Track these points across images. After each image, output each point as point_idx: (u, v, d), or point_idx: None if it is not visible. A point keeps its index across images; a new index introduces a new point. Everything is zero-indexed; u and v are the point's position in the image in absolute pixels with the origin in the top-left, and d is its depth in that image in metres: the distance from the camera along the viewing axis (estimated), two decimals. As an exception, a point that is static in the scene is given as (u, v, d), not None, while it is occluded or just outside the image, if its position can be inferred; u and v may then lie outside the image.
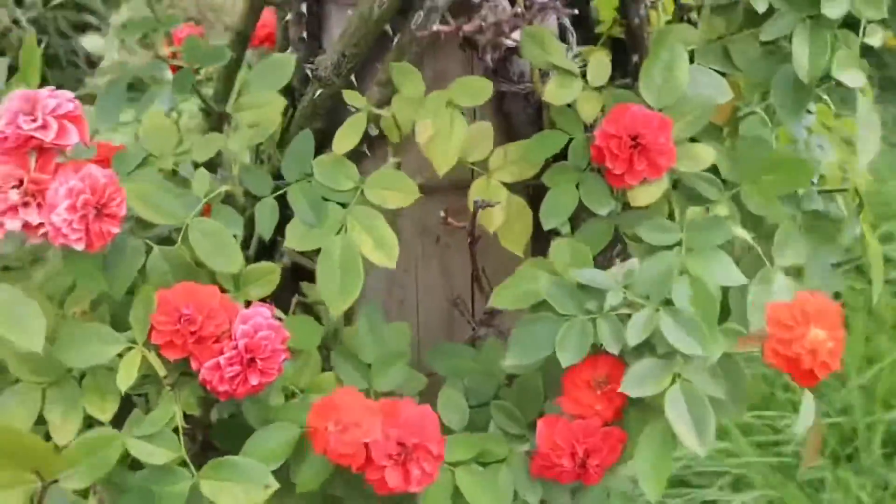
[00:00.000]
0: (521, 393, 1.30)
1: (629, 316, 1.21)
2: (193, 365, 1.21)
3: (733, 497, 2.63)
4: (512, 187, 1.39)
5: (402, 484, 1.17)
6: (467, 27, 1.27)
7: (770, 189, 1.32)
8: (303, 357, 1.34)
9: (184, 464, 1.22)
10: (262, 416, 1.27)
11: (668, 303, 1.21)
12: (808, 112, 1.40)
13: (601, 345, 1.21)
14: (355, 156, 1.42)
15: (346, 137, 1.32)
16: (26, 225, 1.16)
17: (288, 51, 1.48)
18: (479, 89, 1.32)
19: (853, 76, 1.29)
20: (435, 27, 1.28)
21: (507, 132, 1.46)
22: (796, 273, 1.33)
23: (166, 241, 1.27)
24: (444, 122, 1.30)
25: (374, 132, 1.38)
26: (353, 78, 1.40)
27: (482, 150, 1.39)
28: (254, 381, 1.21)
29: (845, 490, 2.63)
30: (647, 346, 1.20)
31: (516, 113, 1.44)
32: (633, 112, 1.27)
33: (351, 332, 1.37)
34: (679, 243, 1.27)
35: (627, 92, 1.33)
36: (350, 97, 1.32)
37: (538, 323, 1.22)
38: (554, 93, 1.32)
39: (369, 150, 1.43)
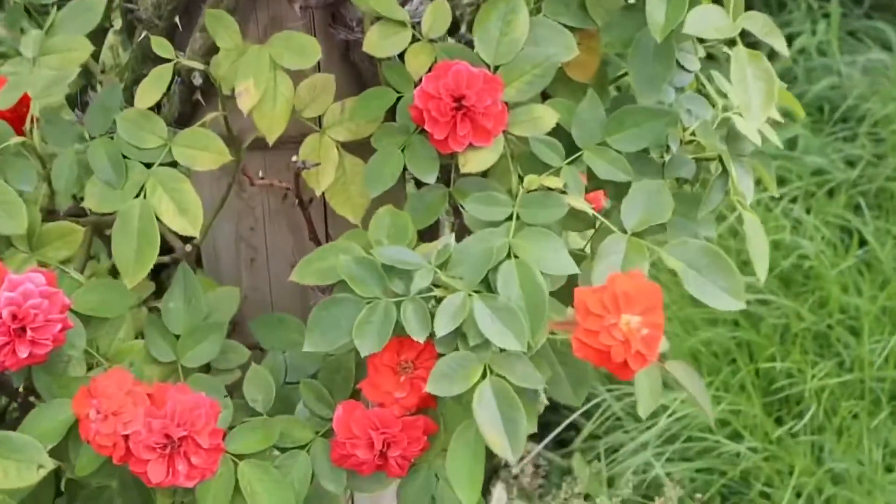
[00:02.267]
0: (330, 372, 1.12)
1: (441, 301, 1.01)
2: (-44, 337, 1.03)
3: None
4: (354, 147, 1.18)
5: (167, 479, 0.98)
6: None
7: (620, 147, 1.10)
8: (110, 323, 1.15)
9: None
10: (51, 389, 1.09)
11: (487, 288, 1.01)
12: (685, 69, 1.16)
13: (409, 329, 1.01)
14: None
15: (150, 90, 1.12)
16: None
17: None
18: (303, 47, 1.12)
19: (716, 29, 1.05)
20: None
21: (357, 85, 1.25)
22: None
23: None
24: (266, 83, 1.09)
25: (198, 82, 1.17)
26: (177, 20, 1.19)
27: (321, 103, 1.18)
28: (23, 352, 1.04)
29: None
30: (458, 336, 0.99)
31: (363, 64, 1.22)
32: (456, 70, 1.06)
33: (169, 288, 1.18)
34: (511, 218, 1.05)
35: (461, 46, 1.12)
36: (158, 45, 1.12)
37: (338, 305, 1.02)
38: (374, 43, 1.11)
39: (203, 100, 1.22)
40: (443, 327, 0.99)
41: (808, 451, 2.45)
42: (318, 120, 1.19)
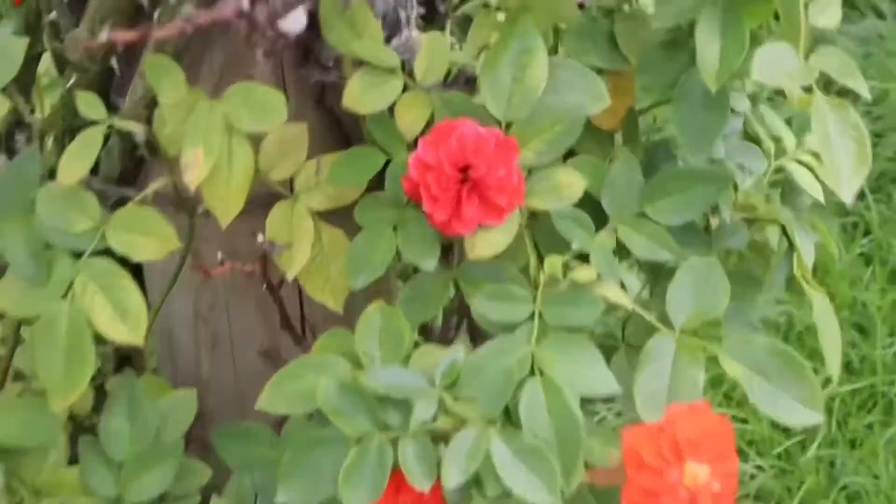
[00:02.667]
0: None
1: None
2: None
3: None
4: (333, 216, 0.95)
5: None
6: (224, 12, 0.81)
7: (661, 218, 0.87)
8: (37, 449, 0.91)
9: None
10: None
11: (507, 416, 0.78)
12: (733, 111, 0.93)
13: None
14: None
15: (76, 160, 0.88)
16: None
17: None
18: (267, 104, 0.88)
19: (789, 75, 0.82)
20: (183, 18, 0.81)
21: (336, 136, 1.02)
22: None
23: None
24: (219, 150, 0.86)
25: (140, 138, 0.93)
26: (114, 62, 0.95)
27: (291, 162, 0.95)
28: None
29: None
30: (473, 484, 0.77)
31: (341, 108, 0.99)
32: (461, 134, 0.83)
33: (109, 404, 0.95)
34: (531, 317, 0.83)
35: (465, 97, 0.88)
36: (85, 104, 0.88)
37: (319, 446, 0.79)
38: (356, 97, 0.88)
39: (149, 154, 0.99)
40: (453, 476, 0.76)
41: (819, 466, 2.25)
42: (289, 182, 0.96)
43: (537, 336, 0.81)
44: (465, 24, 1.02)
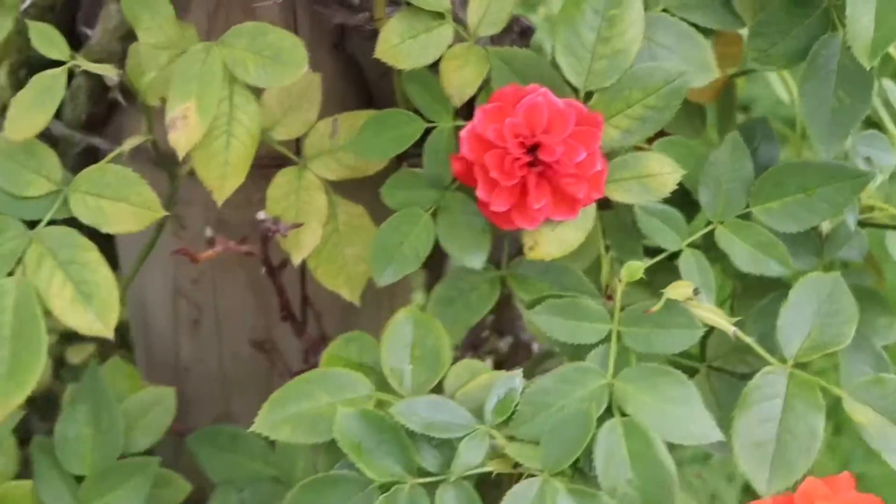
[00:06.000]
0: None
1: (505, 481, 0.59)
2: None
3: None
4: (349, 186, 0.75)
5: None
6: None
7: (772, 222, 0.67)
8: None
9: None
10: None
11: (574, 465, 0.59)
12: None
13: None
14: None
15: (31, 110, 0.67)
16: None
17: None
18: (281, 51, 0.66)
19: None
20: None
21: (356, 92, 0.81)
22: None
23: None
24: (217, 108, 0.65)
25: (112, 81, 0.72)
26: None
27: (299, 121, 0.74)
28: None
29: None
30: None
31: (367, 61, 0.79)
32: (532, 102, 0.62)
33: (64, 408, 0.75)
34: (608, 339, 0.63)
35: (532, 55, 0.67)
36: (41, 38, 0.66)
37: (332, 490, 0.60)
38: (392, 45, 0.66)
39: (123, 98, 0.78)
40: (507, 539, 0.57)
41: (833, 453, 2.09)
42: (296, 144, 0.76)
43: (614, 363, 0.62)
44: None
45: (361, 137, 0.70)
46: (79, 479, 0.73)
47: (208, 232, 0.72)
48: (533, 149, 0.62)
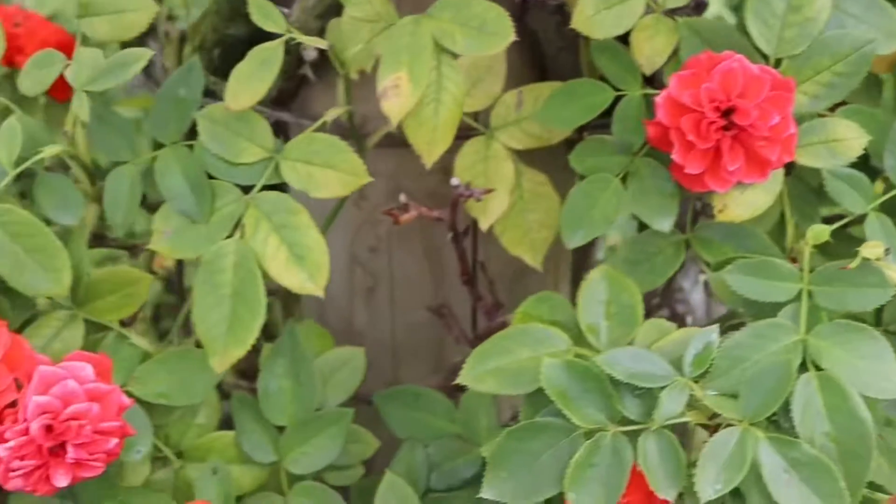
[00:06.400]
0: None
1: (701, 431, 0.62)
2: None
3: None
4: (533, 156, 0.78)
5: None
6: None
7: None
8: (186, 410, 0.77)
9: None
10: (101, 502, 0.72)
11: (769, 420, 0.62)
12: None
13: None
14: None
15: (250, 81, 0.71)
16: None
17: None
18: (486, 23, 0.70)
19: None
20: None
21: (535, 62, 0.85)
22: None
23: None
24: (427, 77, 0.68)
25: (309, 56, 0.76)
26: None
27: (485, 93, 0.78)
28: (61, 480, 0.65)
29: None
30: (732, 499, 0.60)
31: (546, 35, 0.82)
32: (727, 68, 0.65)
33: (265, 362, 0.79)
34: (798, 298, 0.65)
35: (722, 24, 0.70)
36: (259, 11, 0.71)
37: (538, 435, 0.63)
38: (587, 16, 0.69)
39: (313, 73, 0.83)
40: (708, 486, 0.60)
41: None
42: (476, 115, 0.79)
43: (806, 320, 0.64)
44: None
45: (550, 107, 0.73)
46: (279, 430, 0.78)
47: (402, 198, 0.76)
48: (727, 113, 0.65)
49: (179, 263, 1.22)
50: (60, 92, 0.93)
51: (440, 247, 0.92)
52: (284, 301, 0.90)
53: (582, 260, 1.10)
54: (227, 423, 0.80)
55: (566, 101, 0.73)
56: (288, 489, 0.77)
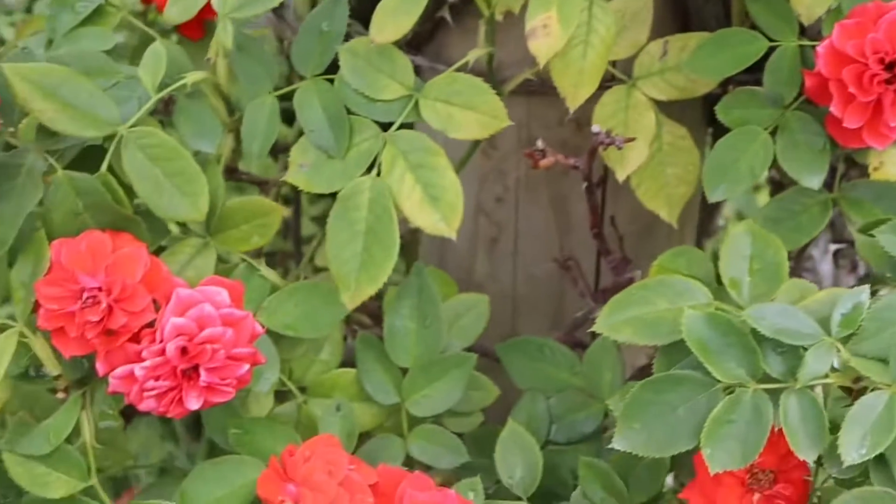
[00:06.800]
0: (631, 457, 0.70)
1: (845, 394, 0.60)
2: (100, 366, 0.65)
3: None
4: (672, 109, 0.76)
5: None
6: None
7: None
8: (310, 340, 0.77)
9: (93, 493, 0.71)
10: (224, 432, 0.72)
11: (913, 380, 0.60)
12: None
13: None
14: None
15: (396, 14, 0.70)
16: None
17: None
18: None
19: None
20: None
21: (678, 12, 0.82)
22: None
23: (84, 158, 0.70)
24: (577, 18, 0.67)
25: (452, -2, 0.75)
26: None
27: (630, 41, 0.76)
28: (193, 402, 0.66)
29: None
30: (876, 465, 0.58)
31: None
32: (893, 17, 0.62)
33: (390, 304, 0.79)
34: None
35: (889, -24, 0.67)
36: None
37: (674, 387, 0.61)
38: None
39: (454, 21, 0.82)
40: (853, 449, 0.58)
41: None
42: (614, 64, 0.77)
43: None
44: None
45: (699, 56, 0.71)
46: (402, 371, 0.77)
47: (540, 144, 0.75)
48: (892, 66, 0.62)
49: (297, 213, 1.24)
50: (193, 30, 0.93)
51: (566, 199, 0.91)
52: (404, 247, 0.90)
53: (706, 223, 1.08)
54: (346, 363, 0.80)
55: (716, 50, 0.71)
56: (408, 431, 0.76)
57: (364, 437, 0.77)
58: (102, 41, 0.74)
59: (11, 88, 0.65)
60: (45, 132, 0.68)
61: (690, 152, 0.76)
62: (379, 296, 0.74)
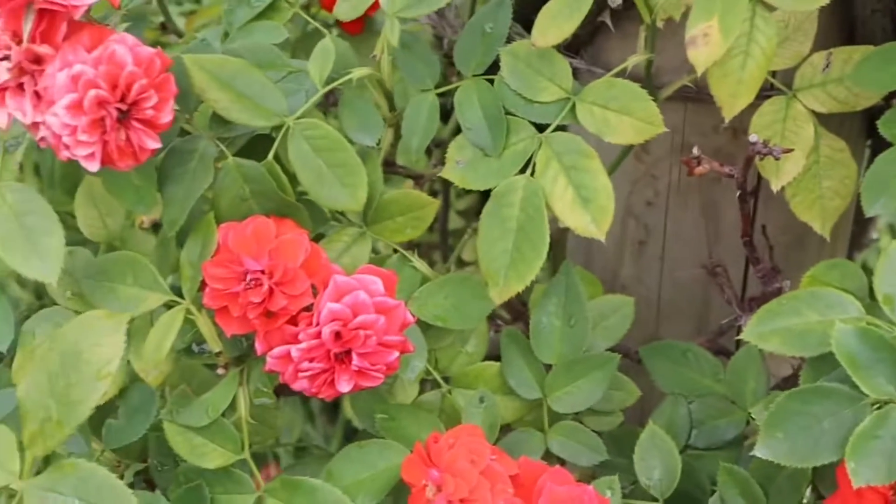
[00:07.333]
0: (770, 467, 0.70)
1: None
2: (259, 346, 0.69)
3: None
4: (831, 121, 0.76)
5: None
6: None
7: None
8: (457, 331, 0.79)
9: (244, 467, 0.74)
10: (370, 415, 0.75)
11: None
12: None
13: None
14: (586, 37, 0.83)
15: (559, 19, 0.71)
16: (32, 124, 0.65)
17: None
18: None
19: None
20: None
21: (844, 24, 0.81)
22: None
23: (252, 146, 0.73)
24: (739, 27, 0.67)
25: (615, 3, 0.76)
26: None
27: (793, 52, 0.76)
28: (344, 385, 0.68)
29: None
30: None
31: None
32: None
33: (536, 301, 0.80)
34: None
35: None
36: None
37: (820, 399, 0.61)
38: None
39: (614, 26, 0.82)
40: None
41: None
42: (774, 74, 0.77)
43: None
44: None
45: (863, 68, 0.70)
46: (546, 368, 0.79)
47: (695, 150, 0.75)
48: None
49: (445, 207, 1.26)
50: (354, 26, 0.96)
51: (717, 206, 0.91)
52: (552, 246, 0.91)
53: (858, 236, 1.06)
54: (488, 357, 0.82)
55: (882, 63, 0.70)
56: (548, 426, 0.78)
57: (504, 430, 0.79)
58: (275, 35, 0.77)
59: (190, 78, 0.69)
60: (217, 120, 0.71)
61: (847, 165, 0.75)
62: (521, 292, 0.76)
